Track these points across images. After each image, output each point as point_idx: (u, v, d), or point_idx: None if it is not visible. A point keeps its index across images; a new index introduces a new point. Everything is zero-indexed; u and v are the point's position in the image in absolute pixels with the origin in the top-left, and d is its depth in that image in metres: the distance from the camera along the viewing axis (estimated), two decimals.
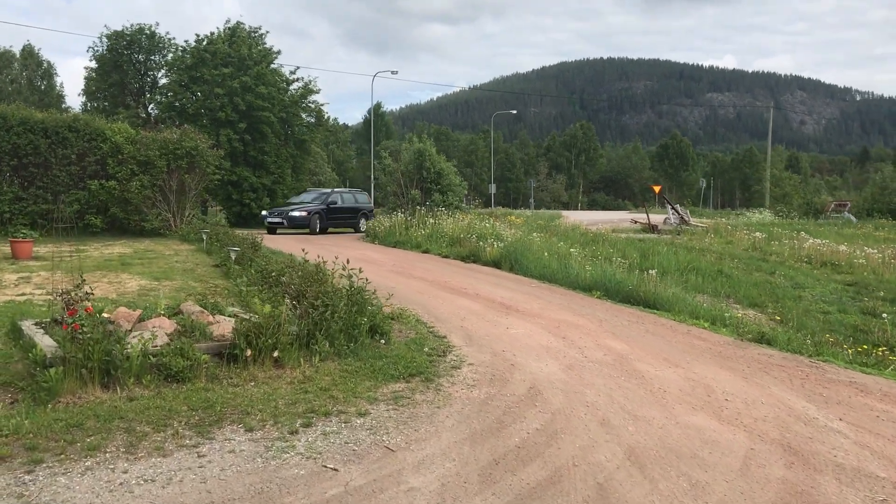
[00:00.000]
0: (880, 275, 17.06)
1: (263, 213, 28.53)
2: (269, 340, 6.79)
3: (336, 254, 10.33)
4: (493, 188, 56.71)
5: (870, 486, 4.67)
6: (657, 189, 58.33)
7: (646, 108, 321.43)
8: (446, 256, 17.98)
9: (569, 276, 13.67)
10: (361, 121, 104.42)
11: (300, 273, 9.57)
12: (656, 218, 33.13)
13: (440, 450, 5.10)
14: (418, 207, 23.48)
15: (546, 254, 15.45)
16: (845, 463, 5.04)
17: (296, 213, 26.87)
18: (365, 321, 7.73)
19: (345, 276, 8.07)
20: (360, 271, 8.11)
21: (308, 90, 36.30)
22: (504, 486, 4.49)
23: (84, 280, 7.27)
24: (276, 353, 6.81)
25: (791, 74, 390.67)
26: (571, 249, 15.95)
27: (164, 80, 36.96)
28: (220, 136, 29.11)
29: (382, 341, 7.89)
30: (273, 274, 10.51)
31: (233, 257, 12.98)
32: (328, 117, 36.72)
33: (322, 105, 36.70)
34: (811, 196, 46.50)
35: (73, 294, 6.88)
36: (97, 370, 6.09)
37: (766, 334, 9.68)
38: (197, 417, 5.61)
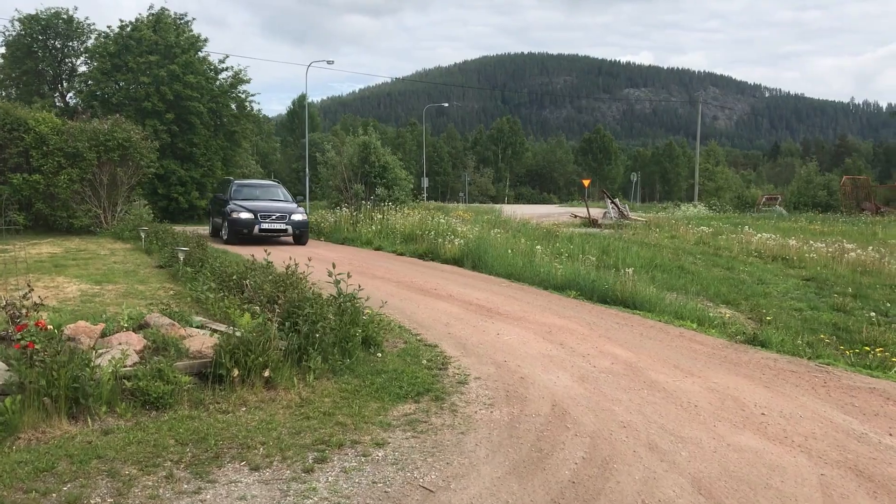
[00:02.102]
0: (832, 269, 17.13)
1: (245, 215, 19.37)
2: (260, 358, 5.97)
3: (283, 253, 9.58)
4: (425, 182, 55.99)
5: None
6: (587, 183, 58.78)
7: (566, 102, 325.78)
8: (401, 254, 17.24)
9: (537, 275, 13.14)
10: (284, 112, 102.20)
11: (271, 277, 8.77)
12: (595, 212, 33.06)
13: (485, 489, 4.43)
14: (363, 202, 22.61)
15: (510, 251, 14.90)
16: None
17: (300, 217, 19.91)
18: (359, 332, 6.98)
19: (331, 282, 7.28)
20: (349, 275, 7.33)
21: (238, 79, 34.80)
22: None
23: (31, 288, 6.31)
24: (266, 373, 6.01)
25: (704, 71, 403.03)
26: (537, 247, 15.42)
27: (83, 68, 34.88)
28: (147, 127, 27.44)
29: (379, 354, 7.15)
30: (234, 277, 9.62)
31: (181, 258, 11.95)
32: (253, 108, 34.90)
33: (252, 95, 35.22)
34: (742, 190, 47.53)
35: (18, 305, 5.94)
36: (63, 399, 5.19)
37: (758, 336, 9.35)
38: (190, 454, 4.79)
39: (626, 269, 12.04)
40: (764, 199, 41.83)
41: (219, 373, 5.94)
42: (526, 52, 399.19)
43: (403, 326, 8.80)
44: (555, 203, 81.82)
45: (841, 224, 30.97)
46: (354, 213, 21.96)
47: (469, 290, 12.11)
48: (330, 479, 4.52)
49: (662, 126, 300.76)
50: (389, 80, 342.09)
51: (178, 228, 17.52)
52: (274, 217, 19.41)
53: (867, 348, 9.06)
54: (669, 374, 7.21)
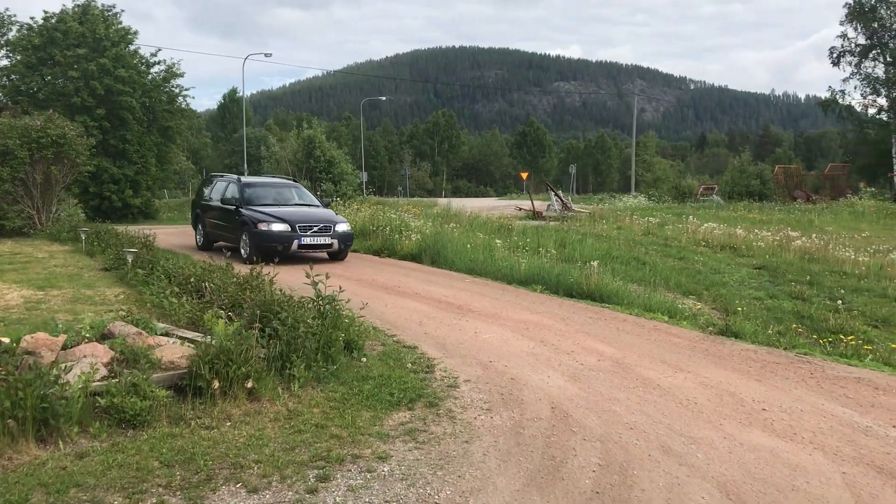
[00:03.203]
0: (780, 257, 17.41)
1: (278, 227, 14.59)
2: (242, 368, 5.56)
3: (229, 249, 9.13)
4: (364, 176, 55.21)
5: None
6: (524, 176, 59.14)
7: (498, 96, 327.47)
8: (355, 251, 16.80)
9: (499, 270, 12.93)
10: (213, 107, 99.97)
11: (235, 279, 8.33)
12: (539, 204, 33.11)
13: (508, 502, 4.16)
14: None
15: (469, 245, 14.65)
16: None
17: (345, 228, 15.35)
18: (342, 337, 6.62)
19: (309, 284, 6.88)
20: (328, 277, 6.95)
21: (171, 73, 33.59)
22: None
23: None
24: (249, 384, 5.60)
25: (632, 64, 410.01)
26: (497, 241, 15.21)
27: (5, 62, 33.19)
28: (77, 123, 26.17)
29: (364, 359, 6.80)
30: (192, 280, 9.12)
31: (129, 260, 11.32)
32: (188, 103, 33.70)
33: (187, 90, 34.06)
34: (679, 180, 48.38)
35: None
36: (30, 420, 4.71)
37: (731, 327, 9.32)
38: (179, 477, 4.38)
39: (591, 263, 11.92)
40: (701, 189, 42.63)
41: (198, 385, 5.51)
42: (457, 46, 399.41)
43: (377, 328, 8.46)
44: (492, 196, 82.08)
45: (777, 212, 31.71)
46: None
47: (433, 286, 11.81)
48: (337, 499, 4.18)
49: (592, 119, 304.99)
50: (320, 74, 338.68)
51: (119, 228, 16.71)
52: (316, 228, 14.59)
53: (842, 337, 9.11)
54: (659, 370, 7.06)
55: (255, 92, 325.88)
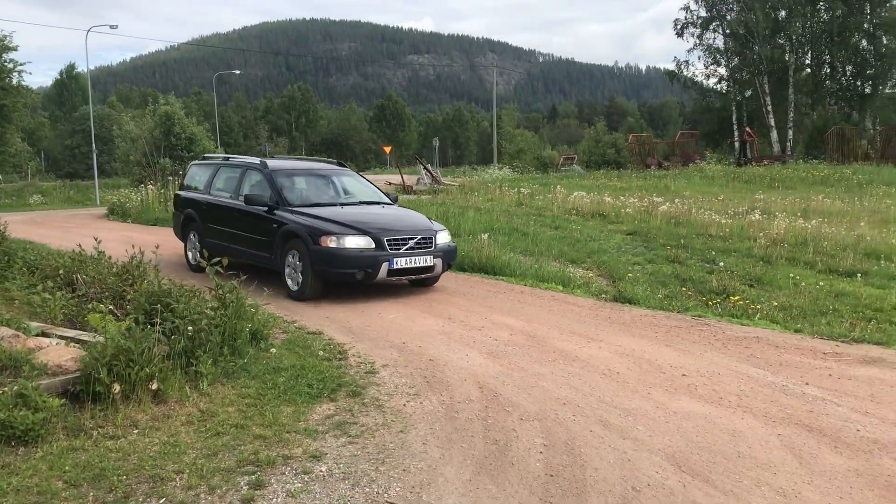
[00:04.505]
0: (648, 223, 18.02)
1: (355, 241, 8.94)
2: (145, 369, 5.02)
3: (90, 236, 8.47)
4: (221, 153, 53.10)
5: None
6: (388, 149, 58.76)
7: (352, 69, 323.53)
8: None
9: None
10: (48, 84, 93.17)
11: (115, 270, 7.63)
12: (409, 178, 32.89)
13: (463, 496, 3.93)
14: (171, 178, 20.76)
15: None
16: (876, 437, 4.67)
17: (447, 241, 9.87)
18: (247, 327, 6.14)
19: (209, 272, 6.32)
20: (226, 263, 6.42)
21: (3, 47, 30.76)
22: None
23: None
24: (154, 385, 5.07)
25: (483, 37, 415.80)
26: None
27: None
28: None
29: (272, 350, 6.35)
30: (61, 272, 8.29)
31: None
32: (21, 80, 30.94)
33: (22, 65, 31.31)
34: (540, 151, 49.47)
35: None
36: None
37: (623, 293, 9.49)
38: (91, 498, 3.88)
39: (481, 236, 11.83)
40: (562, 159, 43.80)
41: (96, 390, 4.93)
42: (308, 18, 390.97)
43: (274, 314, 7.97)
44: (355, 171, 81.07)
45: (635, 179, 32.96)
46: (163, 191, 20.12)
47: None
48: None
49: (447, 92, 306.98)
50: (164, 48, 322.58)
51: None
52: (412, 243, 9.21)
53: (729, 297, 9.43)
54: (572, 341, 7.03)
55: (92, 68, 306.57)
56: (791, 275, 10.34)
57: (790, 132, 42.93)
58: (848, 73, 44.46)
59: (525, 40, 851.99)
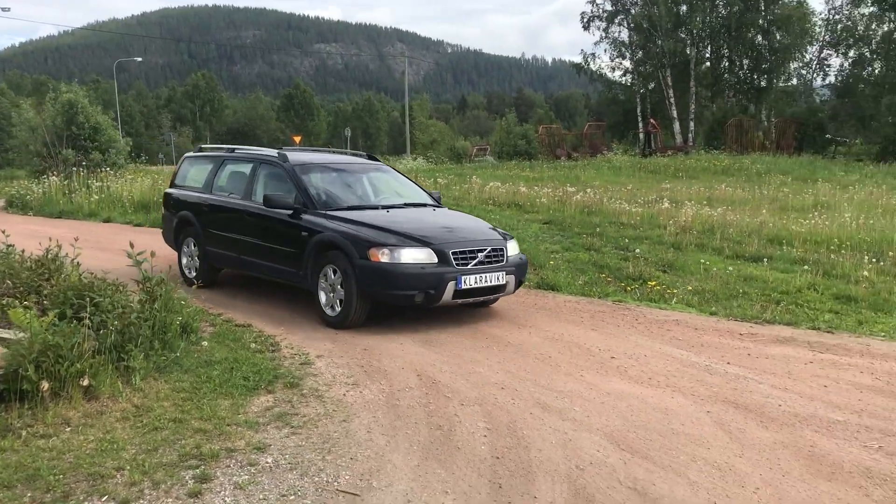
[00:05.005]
0: (562, 212, 18.41)
1: (412, 255, 7.02)
2: (76, 364, 4.85)
3: None
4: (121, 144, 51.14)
5: (847, 432, 4.60)
6: (298, 139, 57.95)
7: (257, 57, 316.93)
8: (140, 225, 15.48)
9: None
10: None
11: (27, 264, 7.31)
12: None
13: (413, 481, 3.97)
14: (75, 169, 19.88)
15: None
16: (796, 411, 4.96)
17: (516, 253, 7.95)
18: (178, 320, 6.00)
19: (133, 265, 6.13)
20: (153, 254, 6.24)
21: None
22: None
23: None
24: (85, 381, 4.90)
25: (391, 27, 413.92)
26: None
27: None
28: None
29: (204, 343, 6.22)
30: None
31: None
32: None
33: None
34: (454, 141, 49.70)
35: None
36: None
37: (546, 280, 9.71)
38: (28, 499, 3.74)
39: None
40: (475, 150, 44.18)
41: (21, 388, 4.73)
42: (210, 5, 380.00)
43: (198, 307, 7.79)
44: None
45: (546, 169, 33.55)
46: (66, 182, 19.27)
47: None
48: (227, 500, 3.77)
49: (356, 81, 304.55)
50: (57, 33, 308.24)
51: None
52: (482, 256, 7.35)
53: (646, 283, 9.76)
54: (503, 327, 7.17)
55: None
56: (701, 260, 10.76)
57: (692, 123, 44.51)
58: (745, 67, 46.37)
59: (433, 31, 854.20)
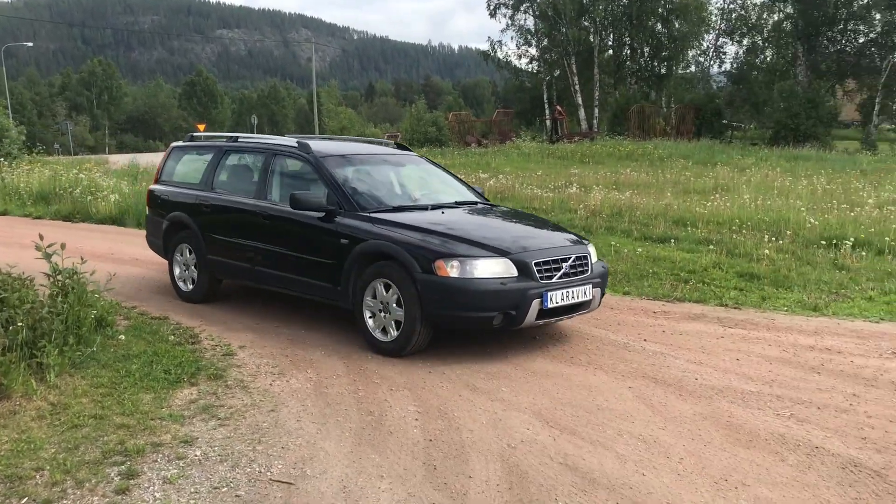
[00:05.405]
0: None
1: (487, 267, 5.68)
2: None
3: None
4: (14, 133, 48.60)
5: (760, 402, 4.85)
6: (202, 128, 56.51)
7: (157, 44, 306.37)
8: (40, 217, 14.79)
9: None
10: None
11: None
12: None
13: (348, 467, 3.98)
14: None
15: None
16: (712, 384, 5.19)
17: (597, 260, 6.69)
18: (92, 314, 5.79)
19: (41, 257, 5.88)
20: (63, 247, 6.01)
21: None
22: (483, 497, 3.65)
23: None
24: None
25: (295, 13, 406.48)
26: None
27: None
28: None
29: (122, 337, 6.02)
30: None
31: None
32: None
33: None
34: (364, 128, 49.30)
35: None
36: None
37: None
38: None
39: None
40: (386, 137, 43.89)
41: None
42: None
43: (111, 301, 7.54)
44: (163, 150, 77.22)
45: (457, 157, 33.74)
46: None
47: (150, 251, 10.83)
48: (157, 495, 3.69)
49: (260, 68, 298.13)
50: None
51: None
52: (567, 267, 6.04)
53: None
54: None
55: None
56: (612, 243, 11.04)
57: (596, 110, 45.52)
58: (646, 55, 47.70)
59: (339, 17, 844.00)
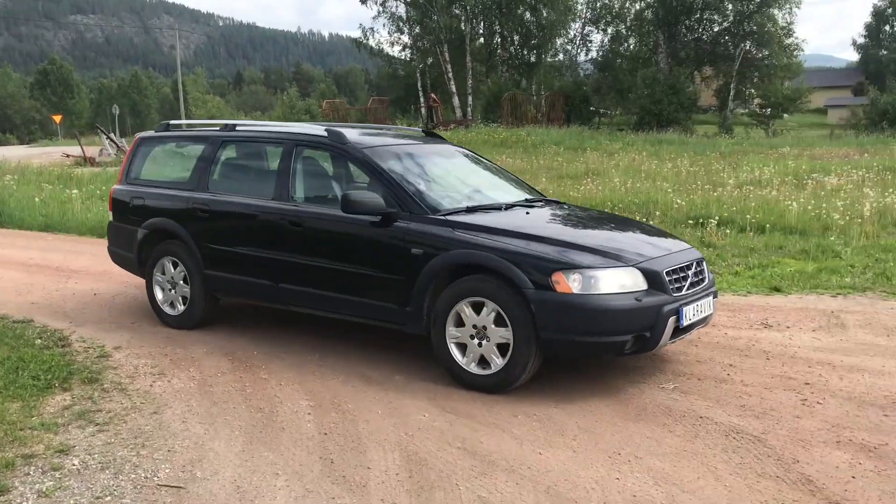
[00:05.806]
0: None
1: (617, 279, 4.61)
2: None
3: None
4: None
5: (645, 376, 5.03)
6: (58, 119, 53.66)
7: (2, 29, 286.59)
8: None
9: (85, 223, 11.57)
10: None
11: None
12: (91, 150, 30.18)
13: (240, 466, 3.83)
14: None
15: (37, 199, 12.76)
16: (599, 362, 5.34)
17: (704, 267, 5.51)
18: None
19: None
20: None
21: None
22: (383, 487, 3.60)
23: None
24: None
25: None
26: (73, 191, 13.46)
27: None
28: None
29: None
30: None
31: None
32: None
33: None
34: (236, 117, 47.74)
35: None
36: None
37: None
38: None
39: None
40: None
41: None
42: None
43: None
44: (17, 143, 72.50)
45: None
46: None
47: (8, 249, 10.13)
48: None
49: (119, 56, 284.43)
50: None
51: None
52: (691, 277, 5.04)
53: None
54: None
55: None
56: None
57: (470, 98, 46.00)
58: (516, 43, 48.63)
59: (202, 3, 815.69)
